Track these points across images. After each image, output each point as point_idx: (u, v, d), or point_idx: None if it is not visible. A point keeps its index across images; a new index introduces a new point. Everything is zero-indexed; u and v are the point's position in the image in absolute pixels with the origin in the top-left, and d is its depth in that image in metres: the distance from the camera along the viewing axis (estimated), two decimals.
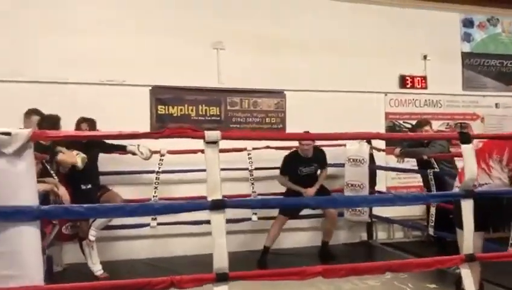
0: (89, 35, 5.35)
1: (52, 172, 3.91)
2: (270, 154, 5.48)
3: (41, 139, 2.15)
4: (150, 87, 5.66)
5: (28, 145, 2.03)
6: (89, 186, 4.62)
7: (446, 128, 6.85)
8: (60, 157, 3.97)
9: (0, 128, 1.99)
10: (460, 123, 6.93)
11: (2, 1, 5.14)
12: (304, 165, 5.29)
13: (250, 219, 5.48)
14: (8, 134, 1.98)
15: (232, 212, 3.66)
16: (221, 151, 2.42)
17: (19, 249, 2.01)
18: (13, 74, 5.07)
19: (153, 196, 5.20)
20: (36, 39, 5.22)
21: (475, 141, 3.16)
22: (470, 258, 2.60)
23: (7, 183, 2.00)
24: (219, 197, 2.33)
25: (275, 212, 5.23)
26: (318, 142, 5.40)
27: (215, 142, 2.35)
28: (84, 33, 5.34)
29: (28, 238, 2.03)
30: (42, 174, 3.66)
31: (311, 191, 5.20)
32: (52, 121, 4.11)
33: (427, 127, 5.24)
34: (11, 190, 2.00)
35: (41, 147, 3.76)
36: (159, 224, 5.13)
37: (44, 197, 3.28)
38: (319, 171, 5.46)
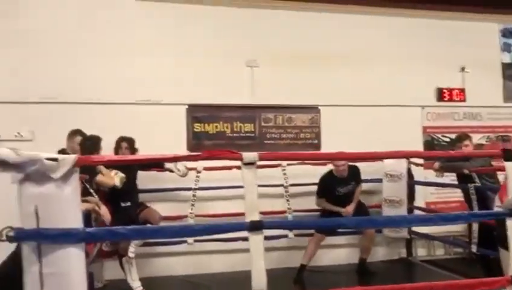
0: (127, 57, 5.53)
1: (92, 191, 4.01)
2: (306, 170, 5.45)
3: (86, 164, 2.22)
4: (186, 106, 5.77)
5: (74, 170, 2.11)
6: (128, 203, 4.73)
7: (487, 141, 6.65)
8: (99, 178, 4.09)
9: (48, 155, 2.07)
10: (502, 136, 6.72)
11: (43, 26, 5.38)
12: (341, 185, 5.24)
13: (286, 236, 5.46)
14: (55, 160, 2.07)
15: (268, 230, 3.69)
16: (257, 167, 2.44)
17: (66, 270, 2.07)
18: (57, 96, 5.28)
19: (190, 213, 5.27)
20: (77, 62, 5.42)
21: None
22: None
23: (55, 206, 2.07)
24: (257, 217, 2.34)
25: (311, 229, 5.19)
26: None
27: (252, 163, 2.37)
28: (122, 55, 5.53)
29: (74, 259, 2.10)
30: (83, 193, 3.76)
31: (350, 209, 5.17)
32: (93, 142, 4.24)
33: (466, 142, 5.09)
34: (58, 213, 2.08)
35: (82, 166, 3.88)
36: (196, 241, 5.18)
37: (86, 217, 3.37)
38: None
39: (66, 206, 2.10)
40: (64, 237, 2.06)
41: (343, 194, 5.25)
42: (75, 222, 2.14)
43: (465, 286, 2.65)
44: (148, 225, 4.31)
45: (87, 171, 3.92)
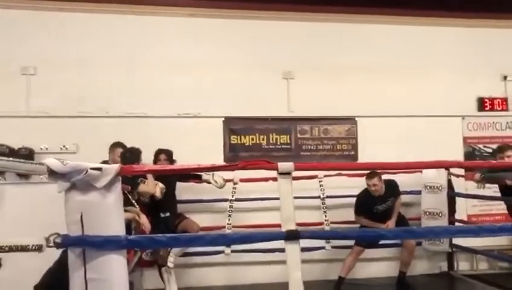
0: (166, 72, 5.72)
1: (133, 201, 4.13)
2: (342, 182, 5.43)
3: (128, 174, 2.31)
4: (223, 118, 5.87)
5: (117, 179, 2.20)
6: (168, 214, 4.83)
7: None
8: (141, 188, 4.20)
9: (93, 164, 2.17)
10: None
11: (92, 45, 5.63)
12: (379, 203, 5.18)
13: (323, 248, 5.41)
14: (99, 169, 2.16)
15: (305, 241, 3.69)
16: (293, 179, 2.46)
17: (109, 277, 2.16)
18: (101, 110, 5.51)
19: (227, 223, 5.32)
20: (119, 77, 5.65)
21: None
22: None
23: (99, 214, 2.17)
24: (293, 227, 2.36)
25: (348, 241, 5.14)
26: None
27: (288, 173, 2.39)
28: (162, 69, 5.72)
29: (116, 266, 2.18)
30: (124, 203, 3.88)
31: (390, 224, 5.11)
32: (133, 153, 4.37)
33: (509, 152, 4.94)
34: (102, 221, 2.17)
35: (124, 177, 4.01)
36: (232, 251, 5.22)
37: (127, 226, 3.48)
38: None
39: (109, 214, 2.19)
40: (108, 243, 2.15)
41: (381, 211, 5.19)
42: (118, 229, 2.22)
43: None
44: (185, 233, 4.39)
45: (129, 182, 4.06)
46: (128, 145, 4.66)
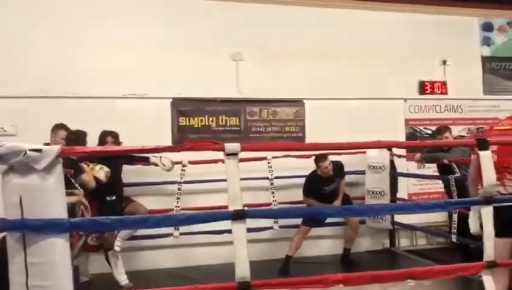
0: (111, 51, 5.52)
1: (76, 185, 4.00)
2: (291, 163, 5.52)
3: (69, 155, 2.25)
4: (171, 100, 5.78)
5: (57, 161, 2.13)
6: (114, 197, 4.74)
7: (467, 133, 6.78)
8: (83, 177, 4.09)
9: (32, 145, 2.09)
10: (482, 128, 6.85)
11: (27, 21, 5.34)
12: (327, 184, 5.33)
13: (271, 228, 5.52)
14: (39, 150, 2.09)
15: (253, 222, 3.74)
16: (241, 160, 2.49)
17: (51, 260, 2.10)
18: (41, 91, 5.26)
19: (176, 206, 5.30)
20: (61, 56, 5.41)
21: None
22: (491, 265, 2.59)
23: (39, 197, 2.10)
24: (240, 207, 2.39)
25: (296, 220, 5.27)
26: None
27: (235, 154, 2.41)
28: (106, 49, 5.51)
29: (59, 249, 2.13)
30: (67, 187, 3.77)
31: (338, 203, 5.29)
32: (78, 136, 4.24)
33: (446, 134, 5.21)
34: (42, 204, 2.10)
35: (67, 160, 3.88)
36: (181, 234, 5.23)
37: (71, 209, 3.39)
38: None
39: (50, 196, 2.13)
40: (49, 227, 2.09)
41: (328, 192, 5.34)
42: (60, 212, 2.16)
43: (443, 272, 2.74)
44: (131, 215, 4.34)
45: (73, 167, 3.93)
46: (72, 128, 4.52)
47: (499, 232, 2.70)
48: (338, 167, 5.41)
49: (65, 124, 4.61)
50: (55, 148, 2.13)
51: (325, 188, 5.33)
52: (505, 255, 3.02)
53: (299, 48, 6.15)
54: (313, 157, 5.43)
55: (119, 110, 5.45)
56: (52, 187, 2.11)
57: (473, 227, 3.03)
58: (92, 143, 4.49)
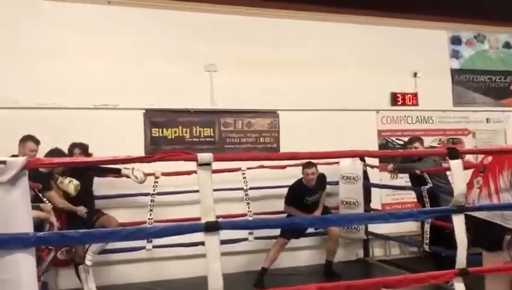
0: (81, 61, 5.44)
1: (45, 199, 3.89)
2: (265, 174, 5.52)
3: (35, 167, 2.17)
4: (144, 111, 5.71)
5: (23, 173, 2.05)
6: (85, 210, 4.62)
7: (438, 144, 6.92)
8: (48, 195, 3.98)
9: None
10: (452, 138, 7.01)
11: None
12: (310, 194, 5.33)
13: (246, 239, 5.47)
14: (3, 162, 2.01)
15: (228, 233, 3.70)
16: (216, 171, 2.46)
17: (15, 277, 2.01)
18: (8, 101, 5.12)
19: (149, 219, 5.20)
20: (30, 66, 5.28)
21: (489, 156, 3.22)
22: (463, 273, 2.62)
23: (2, 211, 2.01)
24: (213, 219, 2.35)
25: (272, 232, 5.23)
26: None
27: (208, 164, 2.38)
28: (76, 59, 5.42)
29: (24, 265, 2.04)
30: (35, 201, 3.66)
31: (318, 213, 5.28)
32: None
33: (416, 144, 5.29)
34: (6, 218, 2.02)
35: (37, 174, 3.77)
36: (154, 247, 5.12)
37: (38, 224, 3.28)
38: None
39: (14, 210, 2.04)
40: (13, 242, 2.00)
41: (310, 203, 5.34)
42: (25, 226, 2.08)
43: (416, 280, 2.75)
44: (101, 228, 4.24)
45: (42, 181, 3.82)
46: (42, 139, 4.40)
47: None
48: (321, 178, 5.43)
49: (33, 135, 4.47)
50: (21, 160, 2.05)
51: (307, 199, 5.32)
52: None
53: (273, 59, 6.18)
54: (287, 168, 5.46)
55: (91, 122, 5.35)
56: (17, 200, 2.03)
57: None
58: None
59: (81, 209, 4.46)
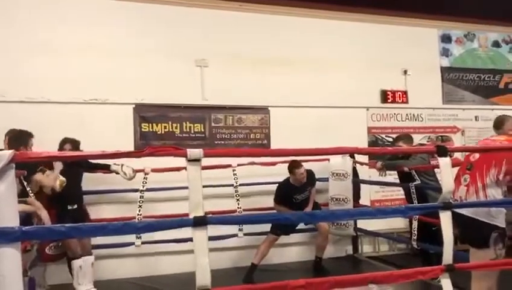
0: (71, 55, 5.39)
1: (29, 191, 3.83)
2: (255, 170, 5.51)
3: (23, 160, 2.15)
4: (134, 105, 5.68)
5: (9, 167, 2.03)
6: (75, 206, 4.61)
7: (428, 141, 6.97)
8: (38, 177, 3.93)
9: None
10: (441, 136, 7.07)
11: None
12: (299, 192, 5.34)
13: (236, 236, 5.47)
14: None
15: (218, 229, 3.70)
16: (206, 168, 2.45)
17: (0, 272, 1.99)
18: None
19: (138, 215, 5.18)
20: (19, 60, 5.22)
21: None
22: (450, 269, 2.64)
23: None
24: (201, 213, 2.35)
25: (261, 228, 5.24)
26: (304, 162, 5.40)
27: (197, 160, 2.37)
28: (66, 53, 5.38)
29: (9, 260, 2.02)
30: (21, 195, 3.61)
31: (308, 210, 5.27)
32: (17, 136, 4.05)
33: (400, 143, 5.30)
34: None
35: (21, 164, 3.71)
36: (143, 243, 5.11)
37: (26, 219, 3.24)
38: None
39: (0, 204, 2.02)
40: None
41: (300, 201, 5.35)
42: (10, 220, 2.05)
43: (403, 276, 2.76)
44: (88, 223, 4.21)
45: (26, 168, 3.76)
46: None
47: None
48: (310, 174, 5.43)
49: (14, 129, 4.40)
50: (7, 153, 2.03)
51: (296, 197, 5.33)
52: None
53: (265, 56, 6.17)
54: (278, 164, 5.46)
55: (80, 116, 5.31)
56: (3, 194, 2.01)
57: None
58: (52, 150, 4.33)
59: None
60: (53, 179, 4.07)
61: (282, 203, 5.31)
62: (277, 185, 5.42)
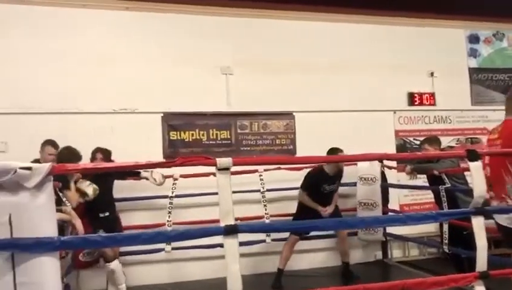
0: (101, 66, 5.53)
1: (65, 200, 3.94)
2: (282, 175, 5.52)
3: (60, 173, 2.23)
4: (162, 114, 5.78)
5: (48, 179, 2.11)
6: (107, 214, 4.72)
7: (456, 143, 6.85)
8: (67, 194, 4.04)
9: (22, 164, 2.07)
10: (471, 138, 6.93)
11: (17, 38, 5.33)
12: (328, 183, 5.24)
13: (263, 241, 5.49)
14: (29, 168, 2.07)
15: (245, 235, 3.73)
16: (233, 173, 2.48)
17: (40, 280, 2.07)
18: (31, 107, 5.24)
19: (167, 221, 5.25)
20: (51, 72, 5.38)
21: None
22: (484, 276, 2.60)
23: (29, 215, 2.07)
24: (232, 222, 2.38)
25: (284, 232, 5.22)
26: None
27: (227, 169, 2.41)
28: (96, 63, 5.52)
29: (48, 269, 2.10)
30: (56, 203, 3.72)
31: (329, 209, 5.18)
32: (70, 152, 4.17)
33: (426, 146, 5.21)
34: (32, 222, 2.08)
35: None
36: (173, 249, 5.17)
37: (61, 227, 3.35)
38: None
39: (40, 215, 2.10)
40: (39, 246, 2.06)
41: (328, 191, 5.26)
42: (50, 231, 2.14)
43: (435, 283, 2.73)
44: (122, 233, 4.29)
45: (61, 180, 3.88)
46: (62, 144, 4.48)
47: None
48: (341, 169, 5.36)
49: (53, 140, 4.56)
50: (46, 166, 2.11)
51: (325, 187, 5.22)
52: None
53: (289, 61, 6.19)
54: (304, 169, 5.45)
55: (110, 125, 5.43)
56: (43, 205, 2.09)
57: None
58: (85, 159, 4.46)
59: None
60: (74, 197, 4.16)
61: (308, 191, 5.19)
62: (308, 172, 5.34)
